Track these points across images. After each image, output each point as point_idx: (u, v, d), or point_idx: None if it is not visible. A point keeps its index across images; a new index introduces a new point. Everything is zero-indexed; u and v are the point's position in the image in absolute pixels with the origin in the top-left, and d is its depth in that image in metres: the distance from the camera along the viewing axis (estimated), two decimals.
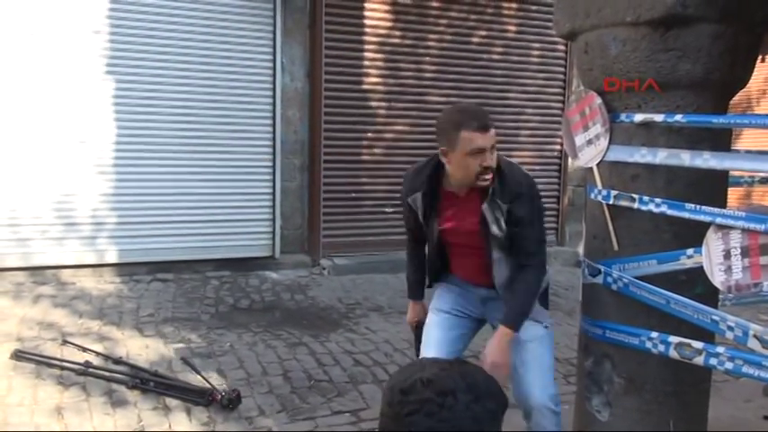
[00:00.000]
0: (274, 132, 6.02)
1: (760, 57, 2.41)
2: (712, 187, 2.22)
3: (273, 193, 6.08)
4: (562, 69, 7.24)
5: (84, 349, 3.80)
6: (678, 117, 2.11)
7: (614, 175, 2.26)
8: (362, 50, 6.36)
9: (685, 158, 2.08)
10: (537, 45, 7.08)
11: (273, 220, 6.09)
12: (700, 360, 2.03)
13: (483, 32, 6.83)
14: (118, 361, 3.69)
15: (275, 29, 5.91)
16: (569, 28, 2.42)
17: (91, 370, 3.52)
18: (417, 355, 2.57)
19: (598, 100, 2.30)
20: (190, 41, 5.68)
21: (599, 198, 2.29)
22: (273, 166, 6.05)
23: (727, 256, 1.93)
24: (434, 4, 6.59)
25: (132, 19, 5.48)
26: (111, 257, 5.56)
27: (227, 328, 4.45)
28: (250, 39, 5.88)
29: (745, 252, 1.90)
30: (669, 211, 2.09)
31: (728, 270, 1.93)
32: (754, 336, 1.88)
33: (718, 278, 1.97)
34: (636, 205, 2.20)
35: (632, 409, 2.27)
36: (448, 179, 2.34)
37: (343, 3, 6.19)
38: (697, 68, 2.12)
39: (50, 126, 5.31)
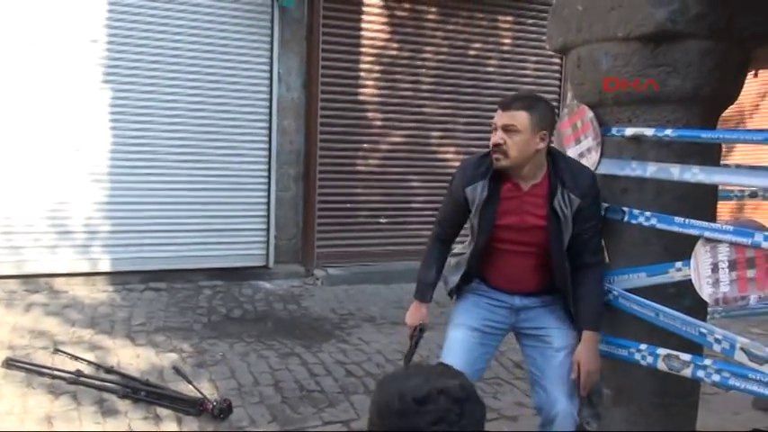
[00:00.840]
0: (270, 142, 6.03)
1: (752, 72, 2.43)
2: (701, 201, 2.25)
3: (268, 203, 6.09)
4: (557, 83, 7.29)
5: (76, 358, 3.78)
6: (668, 132, 2.14)
7: (605, 189, 2.28)
8: (359, 62, 6.39)
9: (675, 172, 2.11)
10: (533, 58, 7.13)
11: (268, 229, 6.09)
12: (687, 372, 2.05)
13: (479, 45, 6.87)
14: (109, 370, 3.67)
15: (272, 39, 5.94)
16: (562, 42, 2.45)
17: (82, 379, 3.49)
18: (408, 362, 2.45)
19: (590, 114, 2.33)
20: (186, 51, 5.68)
21: None
22: (269, 176, 6.06)
23: (715, 269, 1.95)
24: (431, 17, 6.64)
25: (127, 28, 5.48)
26: (104, 266, 5.54)
27: (220, 337, 4.44)
28: (247, 49, 5.90)
29: (732, 265, 1.92)
30: (659, 225, 2.12)
31: (716, 283, 1.95)
32: (741, 348, 1.89)
33: (706, 291, 1.99)
34: (626, 218, 2.22)
35: (620, 419, 2.28)
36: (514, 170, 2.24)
37: (341, 15, 6.23)
38: (686, 84, 2.15)
39: (45, 134, 5.30)
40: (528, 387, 3.38)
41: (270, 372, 3.90)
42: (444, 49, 6.71)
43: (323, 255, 6.27)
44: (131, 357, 3.97)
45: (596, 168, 2.30)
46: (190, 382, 3.51)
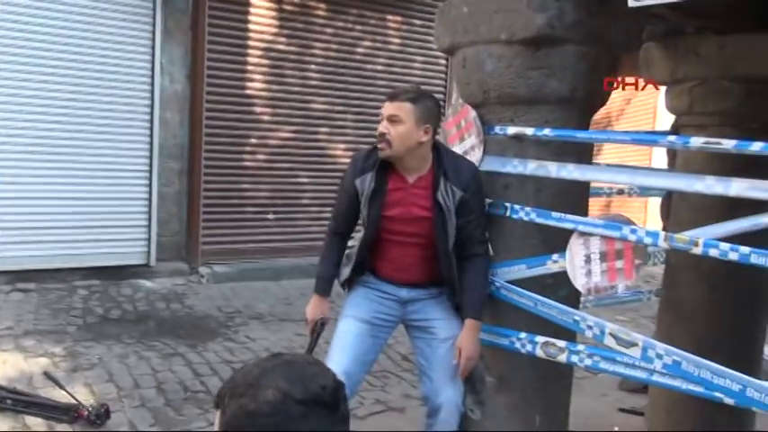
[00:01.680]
0: (152, 135, 5.77)
1: (618, 79, 2.61)
2: (576, 197, 2.39)
3: (150, 199, 5.83)
4: (443, 82, 7.49)
5: None
6: (546, 131, 2.26)
7: (488, 185, 2.38)
8: (247, 55, 6.26)
9: (552, 170, 2.23)
10: (420, 58, 7.28)
11: (149, 226, 5.82)
12: (563, 358, 2.18)
13: (368, 43, 6.93)
14: None
15: (154, 29, 5.68)
16: (449, 43, 2.52)
17: None
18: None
19: (473, 113, 2.41)
20: (62, 39, 5.32)
21: None
22: (150, 171, 5.80)
23: (588, 260, 2.09)
24: (321, 13, 6.62)
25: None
26: None
27: (96, 339, 4.20)
28: (127, 38, 5.61)
29: (603, 257, 2.07)
30: (537, 219, 2.23)
31: (589, 273, 2.09)
32: (610, 334, 2.04)
33: (579, 281, 2.12)
34: (508, 213, 2.32)
35: (501, 406, 2.39)
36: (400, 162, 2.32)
37: (228, 6, 6.06)
38: (563, 86, 2.28)
39: None
40: (415, 379, 3.47)
41: (151, 374, 3.75)
42: (333, 46, 6.71)
43: (208, 252, 6.09)
44: None
45: (480, 165, 2.39)
46: (62, 388, 3.31)
